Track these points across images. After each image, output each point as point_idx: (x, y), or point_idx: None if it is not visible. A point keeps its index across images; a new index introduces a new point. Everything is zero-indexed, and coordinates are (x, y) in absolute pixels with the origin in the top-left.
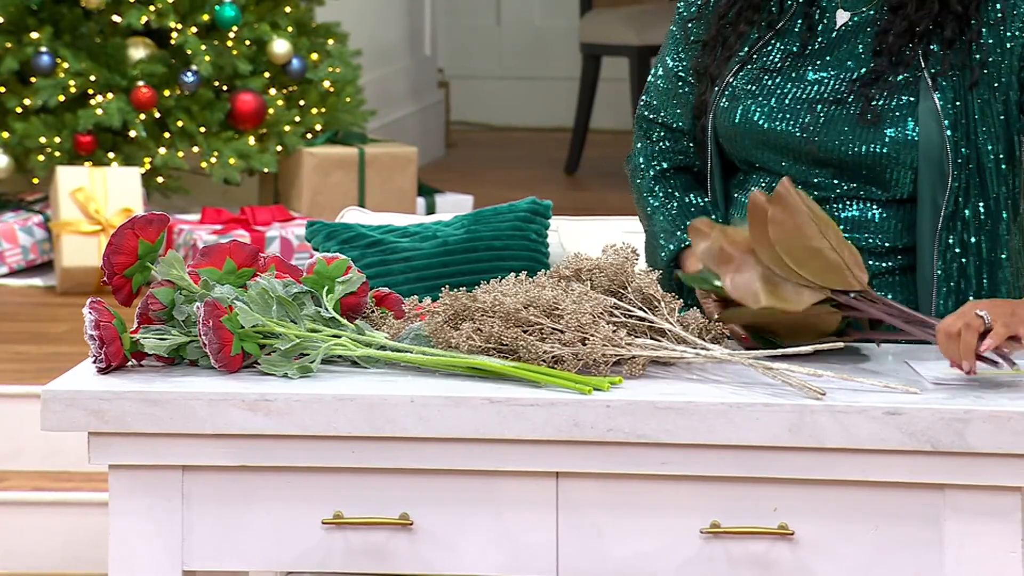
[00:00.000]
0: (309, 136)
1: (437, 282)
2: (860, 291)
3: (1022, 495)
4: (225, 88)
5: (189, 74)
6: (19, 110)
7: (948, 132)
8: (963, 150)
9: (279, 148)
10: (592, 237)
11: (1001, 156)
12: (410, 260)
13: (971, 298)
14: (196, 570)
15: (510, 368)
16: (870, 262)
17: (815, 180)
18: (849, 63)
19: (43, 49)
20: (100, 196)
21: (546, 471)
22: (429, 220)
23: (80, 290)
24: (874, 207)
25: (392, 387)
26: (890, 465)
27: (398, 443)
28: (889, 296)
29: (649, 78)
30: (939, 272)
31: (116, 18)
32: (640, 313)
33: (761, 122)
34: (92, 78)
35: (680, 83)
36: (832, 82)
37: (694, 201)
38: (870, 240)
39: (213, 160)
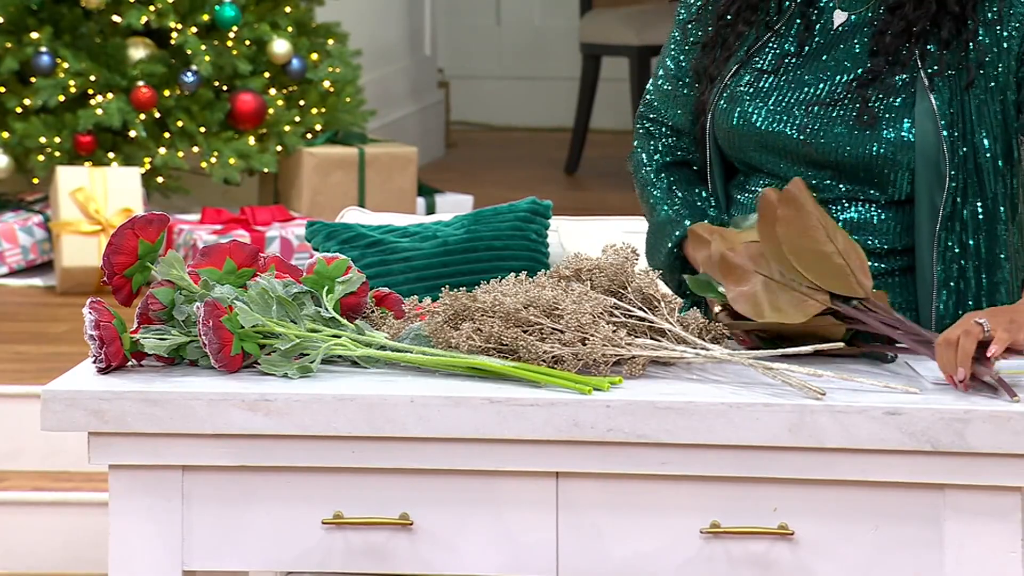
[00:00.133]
0: (309, 136)
1: (437, 282)
2: (862, 299)
3: (1022, 495)
4: (225, 88)
5: (189, 74)
6: (19, 110)
7: (945, 132)
8: (960, 150)
9: (279, 148)
10: (592, 237)
11: (998, 156)
12: (410, 260)
13: (970, 298)
14: (196, 570)
15: (510, 368)
16: (870, 263)
17: (814, 182)
18: (846, 63)
19: (43, 49)
20: (100, 196)
21: (546, 471)
22: (429, 220)
23: (80, 290)
24: (873, 209)
25: (392, 387)
26: (890, 465)
27: (398, 443)
28: (889, 297)
29: (650, 80)
30: (938, 273)
31: (116, 18)
32: (640, 313)
33: (759, 124)
34: (92, 78)
35: (680, 84)
36: (829, 83)
37: (697, 192)
38: (870, 242)
39: (213, 160)
